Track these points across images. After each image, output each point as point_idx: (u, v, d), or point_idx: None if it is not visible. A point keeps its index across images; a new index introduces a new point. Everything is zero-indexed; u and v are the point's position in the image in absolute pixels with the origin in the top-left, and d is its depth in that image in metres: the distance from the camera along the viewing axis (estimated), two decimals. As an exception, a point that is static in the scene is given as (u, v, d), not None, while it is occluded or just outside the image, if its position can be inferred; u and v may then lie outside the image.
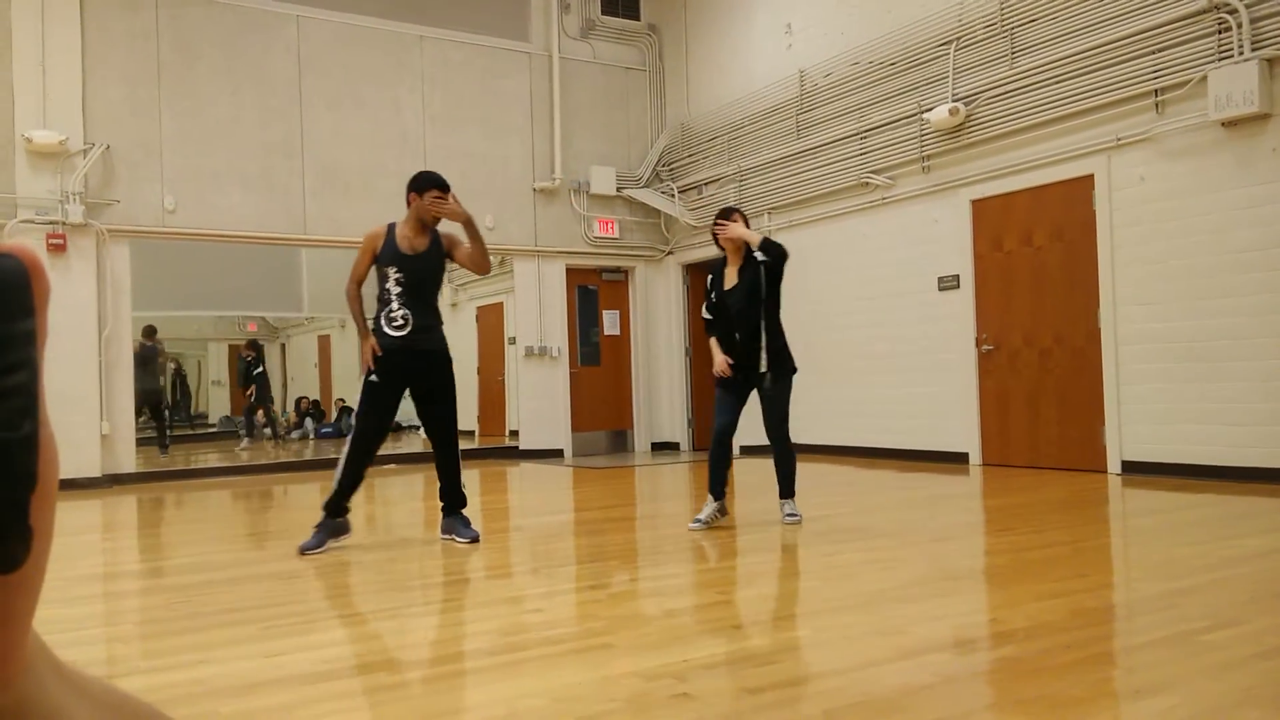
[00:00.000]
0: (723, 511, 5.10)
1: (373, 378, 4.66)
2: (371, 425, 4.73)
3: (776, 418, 5.06)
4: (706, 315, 5.21)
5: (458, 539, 4.78)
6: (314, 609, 3.58)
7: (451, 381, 4.84)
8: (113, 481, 8.46)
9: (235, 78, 9.14)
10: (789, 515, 5.08)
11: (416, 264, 4.70)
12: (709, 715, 2.20)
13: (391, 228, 4.74)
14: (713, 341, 5.14)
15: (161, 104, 8.81)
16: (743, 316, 5.03)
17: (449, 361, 4.84)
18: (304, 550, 4.56)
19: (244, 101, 9.17)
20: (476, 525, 4.91)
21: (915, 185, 8.32)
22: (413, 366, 4.70)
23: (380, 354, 4.64)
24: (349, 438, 4.76)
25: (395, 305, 4.67)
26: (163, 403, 12.35)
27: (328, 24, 9.59)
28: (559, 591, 3.72)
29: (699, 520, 5.04)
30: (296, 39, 9.44)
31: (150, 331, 11.63)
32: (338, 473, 4.68)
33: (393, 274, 4.66)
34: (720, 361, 5.04)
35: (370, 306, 4.82)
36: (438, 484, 4.88)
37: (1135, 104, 6.67)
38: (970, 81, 7.79)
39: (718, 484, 5.06)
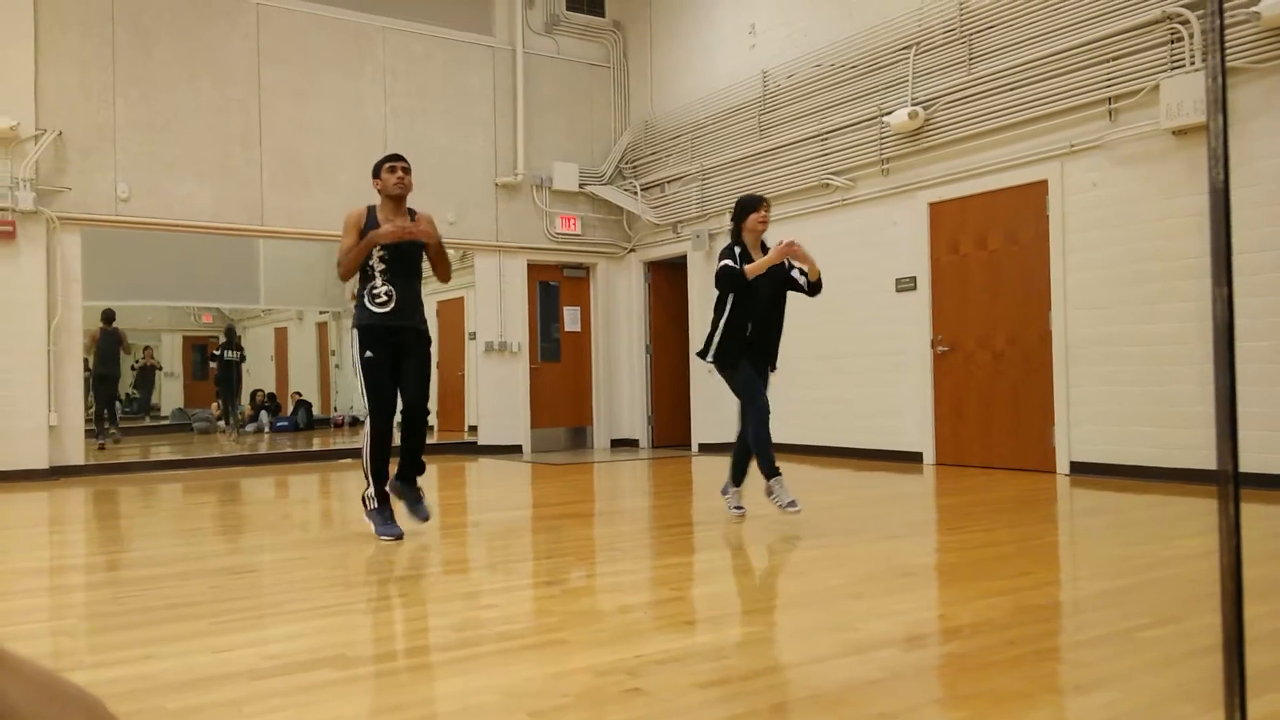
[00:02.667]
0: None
1: (367, 354, 4.69)
2: (384, 417, 4.74)
3: None
4: (739, 278, 5.00)
5: (409, 513, 4.79)
6: (264, 604, 3.54)
7: (428, 363, 4.86)
8: (59, 474, 8.31)
9: (193, 65, 9.00)
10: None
11: (399, 243, 4.72)
12: (660, 710, 2.22)
13: (371, 209, 4.79)
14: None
15: (116, 91, 8.65)
16: (766, 306, 5.11)
17: (429, 341, 4.87)
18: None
19: (201, 89, 9.04)
20: (434, 521, 4.90)
21: (875, 187, 8.41)
22: (397, 343, 4.73)
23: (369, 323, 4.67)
24: (366, 432, 4.77)
25: (379, 282, 4.70)
26: (116, 392, 12.10)
27: (288, 12, 9.47)
28: (514, 587, 3.72)
29: (785, 499, 5.02)
30: (256, 27, 9.32)
31: (108, 316, 11.38)
32: (369, 469, 4.76)
33: (376, 252, 4.68)
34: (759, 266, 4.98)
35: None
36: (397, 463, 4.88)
37: (1089, 111, 6.80)
38: (929, 86, 7.89)
39: (771, 462, 5.04)
